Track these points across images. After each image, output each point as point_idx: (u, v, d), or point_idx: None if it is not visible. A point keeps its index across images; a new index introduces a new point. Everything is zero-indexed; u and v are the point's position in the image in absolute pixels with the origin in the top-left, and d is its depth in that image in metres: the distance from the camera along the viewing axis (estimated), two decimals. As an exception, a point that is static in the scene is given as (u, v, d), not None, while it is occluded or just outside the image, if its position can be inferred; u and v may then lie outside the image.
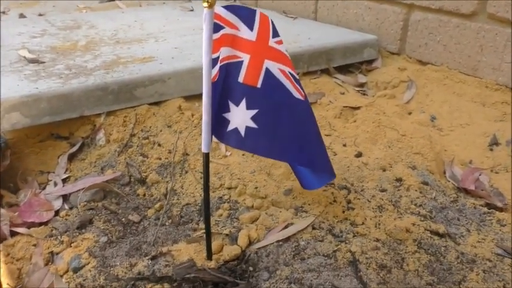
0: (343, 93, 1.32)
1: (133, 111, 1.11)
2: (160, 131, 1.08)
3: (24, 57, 1.27)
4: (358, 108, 1.21)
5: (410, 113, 1.23)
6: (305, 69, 1.39)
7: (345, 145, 1.05)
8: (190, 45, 1.40)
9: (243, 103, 0.66)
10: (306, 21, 1.78)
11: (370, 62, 1.52)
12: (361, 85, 1.40)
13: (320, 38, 1.49)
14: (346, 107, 1.22)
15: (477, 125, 1.13)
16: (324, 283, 0.66)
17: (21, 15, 1.95)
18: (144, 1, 2.41)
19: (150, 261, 0.75)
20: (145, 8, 2.11)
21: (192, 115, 1.12)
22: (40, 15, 2.01)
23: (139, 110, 1.11)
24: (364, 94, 1.35)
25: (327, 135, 1.09)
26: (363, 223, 0.80)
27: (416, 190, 0.89)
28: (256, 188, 0.90)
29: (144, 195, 0.95)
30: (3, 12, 2.06)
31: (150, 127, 1.09)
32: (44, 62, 1.23)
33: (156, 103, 1.15)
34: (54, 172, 1.03)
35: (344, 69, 1.48)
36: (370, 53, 1.51)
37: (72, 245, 0.81)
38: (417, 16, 1.42)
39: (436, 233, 0.76)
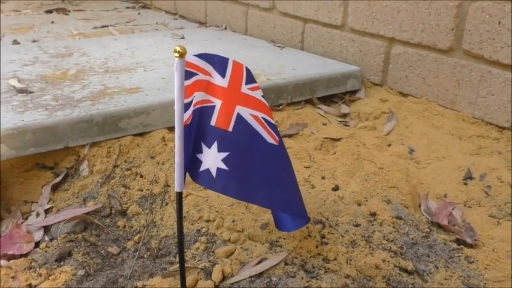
0: (325, 124, 1.36)
1: (118, 142, 1.13)
2: (143, 162, 1.10)
3: (14, 86, 1.30)
4: (338, 139, 1.24)
5: (389, 145, 1.26)
6: (289, 100, 1.43)
7: (323, 177, 1.08)
8: (177, 75, 1.43)
9: (215, 145, 0.69)
10: (293, 50, 1.83)
11: (354, 92, 1.56)
12: (344, 116, 1.44)
13: (304, 69, 1.53)
14: (327, 138, 1.25)
15: (453, 158, 1.16)
16: (292, 321, 0.68)
17: (15, 42, 1.99)
18: (137, 27, 2.46)
19: (124, 296, 0.76)
20: (137, 35, 2.15)
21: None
22: (34, 41, 2.05)
23: (123, 141, 1.13)
24: (346, 125, 1.38)
25: (307, 167, 1.12)
26: (335, 259, 0.82)
27: (389, 225, 0.91)
28: (233, 221, 0.92)
29: (125, 226, 0.96)
30: (-2, 38, 2.10)
31: (134, 158, 1.11)
32: (32, 92, 1.26)
33: (140, 134, 1.18)
34: (37, 202, 1.05)
35: (328, 100, 1.52)
36: (353, 83, 1.55)
37: (50, 277, 0.83)
38: (398, 49, 1.46)
39: (405, 270, 0.78)
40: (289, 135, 1.27)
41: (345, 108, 1.47)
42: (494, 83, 1.21)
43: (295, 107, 1.43)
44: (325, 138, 1.24)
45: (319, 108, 1.45)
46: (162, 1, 3.05)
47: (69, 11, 2.99)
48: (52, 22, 2.57)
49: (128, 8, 3.23)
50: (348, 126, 1.38)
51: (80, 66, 1.54)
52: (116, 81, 1.38)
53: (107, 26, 2.43)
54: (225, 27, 2.34)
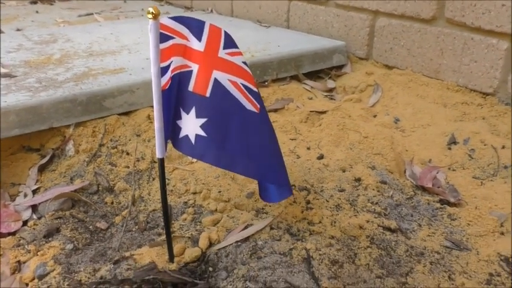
0: (311, 99, 1.36)
1: (103, 121, 1.13)
2: (129, 140, 1.10)
3: (-3, 72, 1.29)
4: (324, 112, 1.25)
5: (375, 116, 1.26)
6: (274, 76, 1.43)
7: (308, 148, 1.08)
8: (162, 55, 1.43)
9: (193, 111, 0.69)
10: (279, 29, 1.82)
11: (340, 67, 1.56)
12: (330, 90, 1.44)
13: (289, 45, 1.53)
14: (313, 111, 1.25)
15: (438, 125, 1.17)
16: (278, 279, 0.69)
17: (-1, 31, 1.97)
18: (123, 14, 2.44)
19: (112, 266, 0.77)
20: (122, 21, 2.14)
21: (161, 124, 1.14)
22: (18, 30, 2.03)
23: (108, 120, 1.13)
24: (331, 99, 1.38)
25: (292, 139, 1.13)
26: (319, 222, 0.83)
27: (373, 189, 0.92)
28: (219, 192, 0.93)
29: (112, 203, 0.97)
30: (-19, 29, 2.07)
31: (119, 136, 1.11)
32: (15, 76, 1.25)
33: (126, 113, 1.18)
34: (25, 184, 1.05)
35: (314, 75, 1.52)
36: (339, 58, 1.55)
37: (38, 253, 0.83)
38: (382, 22, 1.47)
39: (388, 229, 0.79)
40: (275, 110, 1.27)
41: (331, 83, 1.48)
42: (476, 49, 1.22)
43: (281, 83, 1.43)
44: (310, 111, 1.25)
45: (305, 83, 1.45)
46: (148, -12, 3.02)
47: (54, 1, 2.96)
48: (37, 12, 2.55)
49: (113, -4, 3.20)
50: (334, 100, 1.38)
51: (64, 52, 1.53)
52: (100, 63, 1.37)
53: (92, 14, 2.41)
54: (211, 10, 2.32)
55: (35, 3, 2.92)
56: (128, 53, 1.48)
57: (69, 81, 1.19)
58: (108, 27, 1.94)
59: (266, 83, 1.40)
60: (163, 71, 0.66)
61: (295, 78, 1.48)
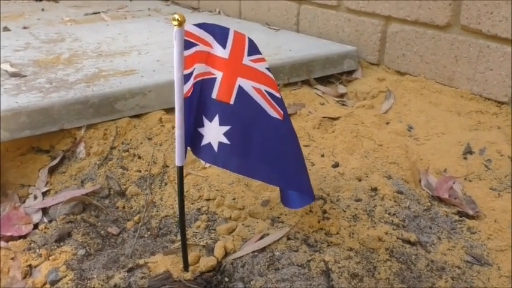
0: (322, 104, 1.35)
1: (114, 124, 1.12)
2: (141, 143, 1.09)
3: (6, 71, 1.27)
4: (337, 118, 1.24)
5: (388, 123, 1.25)
6: (286, 81, 1.42)
7: (322, 155, 1.07)
8: (172, 57, 1.41)
9: (216, 119, 0.67)
10: (288, 33, 1.81)
11: (350, 72, 1.55)
12: (341, 96, 1.43)
13: (301, 49, 1.51)
14: (325, 117, 1.24)
15: (452, 134, 1.15)
16: (297, 293, 0.68)
17: (6, 28, 1.95)
18: (129, 13, 2.43)
19: (126, 274, 0.76)
20: (130, 20, 2.12)
21: (173, 127, 1.13)
22: (25, 28, 2.02)
23: (120, 123, 1.12)
24: (343, 105, 1.37)
25: (306, 146, 1.11)
26: (337, 233, 0.81)
27: (390, 199, 0.91)
28: (234, 199, 0.91)
29: (124, 207, 0.95)
30: (-13, 25, 2.06)
31: (131, 140, 1.10)
32: (25, 76, 1.23)
33: (137, 116, 1.17)
34: (34, 185, 1.04)
35: (325, 80, 1.51)
36: (350, 64, 1.54)
37: (50, 258, 0.82)
38: (394, 28, 1.45)
39: (408, 241, 0.78)
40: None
41: (342, 88, 1.46)
42: (492, 57, 1.20)
43: (292, 87, 1.42)
44: (323, 117, 1.24)
45: (316, 88, 1.44)
46: (154, -13, 3.00)
47: (59, -1, 2.94)
48: (42, 9, 2.53)
49: (119, -5, 3.18)
50: (346, 105, 1.37)
51: (73, 51, 1.51)
52: (110, 64, 1.36)
53: (99, 13, 2.40)
54: (219, 12, 2.31)
55: (40, 0, 2.90)
56: (138, 54, 1.46)
57: (80, 82, 1.18)
58: (115, 26, 1.93)
59: (278, 88, 1.38)
60: (186, 78, 0.64)
61: (306, 82, 1.46)
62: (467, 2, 1.23)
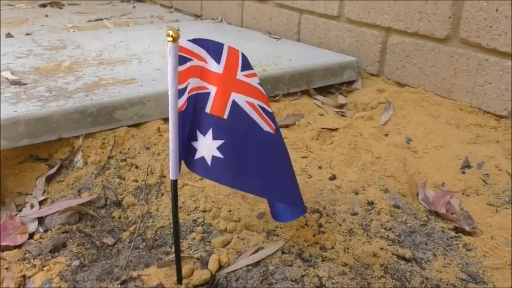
0: (322, 115, 1.35)
1: (112, 133, 1.12)
2: (139, 153, 1.09)
3: (7, 78, 1.28)
4: (335, 130, 1.23)
5: (386, 135, 1.25)
6: (285, 91, 1.42)
7: (320, 167, 1.07)
8: (172, 66, 1.42)
9: (210, 133, 0.68)
10: (289, 42, 1.81)
11: (350, 83, 1.55)
12: (341, 106, 1.43)
13: (301, 59, 1.52)
14: (324, 128, 1.24)
15: (451, 147, 1.15)
16: (290, 309, 0.67)
17: (9, 35, 1.97)
18: (132, 20, 2.44)
19: (120, 286, 0.75)
20: (132, 28, 2.13)
21: (171, 137, 1.13)
22: (27, 34, 2.03)
23: (118, 132, 1.12)
24: (343, 115, 1.37)
25: (304, 157, 1.11)
26: (332, 247, 0.81)
27: (387, 214, 0.90)
28: (230, 211, 0.91)
29: (120, 217, 0.95)
30: (-9, 32, 2.07)
31: (129, 149, 1.10)
32: (25, 84, 1.24)
33: (136, 125, 1.17)
34: (32, 194, 1.04)
35: (325, 90, 1.51)
36: (350, 74, 1.54)
37: (44, 268, 0.82)
38: (394, 39, 1.45)
39: (403, 258, 0.78)
40: (286, 126, 1.26)
41: (341, 99, 1.46)
42: (491, 71, 1.20)
43: (292, 97, 1.42)
44: (322, 128, 1.23)
45: (316, 98, 1.44)
46: (157, -6, 3.02)
47: (63, 5, 2.96)
48: (46, 16, 2.54)
49: (123, 1, 3.20)
50: (345, 116, 1.37)
51: (74, 59, 1.52)
52: (111, 72, 1.36)
53: (102, 19, 2.41)
54: (221, 20, 2.32)
55: (45, 6, 2.93)
56: (138, 63, 1.47)
57: (79, 91, 1.18)
58: (117, 34, 1.94)
59: (277, 98, 1.39)
60: (180, 93, 0.65)
61: (306, 92, 1.46)
62: (466, 16, 1.23)
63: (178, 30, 1.95)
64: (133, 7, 2.93)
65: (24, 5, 2.94)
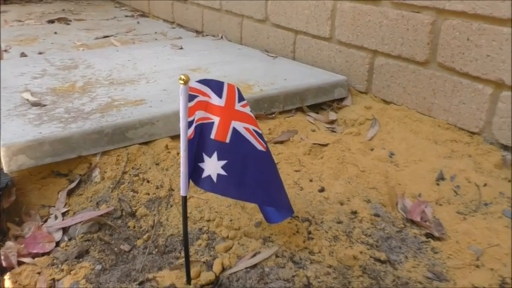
0: (314, 131, 1.48)
1: (126, 150, 1.25)
2: (149, 168, 1.22)
3: (27, 100, 1.41)
4: (326, 145, 1.37)
5: (372, 149, 1.38)
6: (281, 109, 1.55)
7: (311, 180, 1.20)
8: (178, 87, 1.55)
9: (215, 155, 0.81)
10: (285, 60, 1.95)
11: (341, 100, 1.69)
12: (332, 122, 1.56)
13: (295, 79, 1.65)
14: (315, 144, 1.37)
15: (428, 161, 1.28)
16: (282, 304, 0.80)
17: (23, 54, 2.10)
18: (137, 37, 2.58)
19: (138, 286, 0.88)
20: (138, 46, 2.27)
21: (178, 153, 1.27)
22: (40, 53, 2.17)
23: (130, 150, 1.25)
24: (333, 131, 1.50)
25: (296, 171, 1.24)
26: (319, 251, 0.94)
27: (368, 222, 1.04)
28: (231, 220, 1.04)
29: (134, 227, 1.08)
30: (5, 51, 2.21)
31: (140, 165, 1.23)
32: (45, 105, 1.37)
33: (146, 143, 1.30)
34: (54, 206, 1.17)
35: (317, 107, 1.64)
36: (340, 92, 1.68)
37: (71, 272, 0.95)
38: (380, 61, 1.59)
39: (379, 260, 0.91)
40: (281, 142, 1.39)
41: (332, 115, 1.60)
42: (464, 92, 1.34)
43: (287, 114, 1.56)
44: (313, 144, 1.37)
45: (309, 115, 1.58)
46: (160, 10, 3.16)
47: (70, 21, 3.10)
48: (55, 33, 2.68)
49: (127, 16, 3.34)
50: (335, 132, 1.50)
51: (87, 79, 1.66)
52: (121, 93, 1.50)
53: (109, 37, 2.55)
54: (221, 37, 2.46)
55: (52, 22, 3.07)
56: (146, 83, 1.61)
57: (95, 112, 1.32)
58: (124, 52, 2.07)
59: (273, 115, 1.52)
60: (189, 124, 0.78)
61: (299, 109, 1.60)
62: (442, 43, 1.37)
63: (181, 48, 2.06)
64: (138, 23, 3.07)
65: (33, 21, 3.08)
